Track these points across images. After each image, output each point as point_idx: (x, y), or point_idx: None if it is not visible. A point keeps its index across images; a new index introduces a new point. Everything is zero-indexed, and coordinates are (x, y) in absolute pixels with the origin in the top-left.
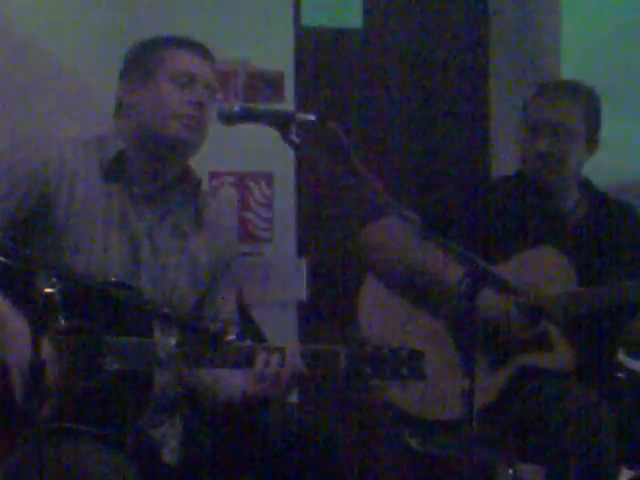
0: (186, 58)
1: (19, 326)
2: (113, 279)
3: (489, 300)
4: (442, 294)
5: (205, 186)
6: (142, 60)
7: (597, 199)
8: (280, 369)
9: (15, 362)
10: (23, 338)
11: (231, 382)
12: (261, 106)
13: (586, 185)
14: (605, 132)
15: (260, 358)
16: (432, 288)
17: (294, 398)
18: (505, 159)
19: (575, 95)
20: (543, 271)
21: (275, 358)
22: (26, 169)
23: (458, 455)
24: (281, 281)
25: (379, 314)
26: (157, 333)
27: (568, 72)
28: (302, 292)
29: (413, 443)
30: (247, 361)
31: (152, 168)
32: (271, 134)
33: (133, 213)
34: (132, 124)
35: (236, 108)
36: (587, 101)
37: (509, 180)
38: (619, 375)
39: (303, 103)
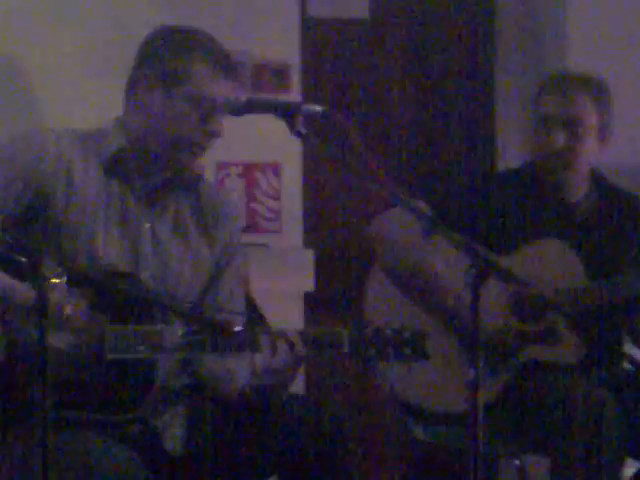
0: (214, 81)
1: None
2: (118, 269)
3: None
4: (440, 298)
5: (212, 177)
6: (168, 61)
7: (606, 191)
8: (283, 355)
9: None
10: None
11: (239, 372)
12: (268, 97)
13: (595, 177)
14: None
15: (264, 345)
16: (431, 291)
17: (300, 388)
18: (510, 152)
19: (586, 87)
20: (550, 264)
21: (279, 346)
22: (22, 162)
23: (463, 446)
24: (288, 272)
25: (385, 304)
26: (160, 323)
27: (573, 67)
28: (309, 283)
29: (418, 434)
30: (250, 346)
31: (152, 164)
32: (278, 125)
33: (134, 208)
34: (140, 125)
35: (243, 99)
36: (598, 93)
37: (517, 172)
38: (625, 367)
39: (309, 94)
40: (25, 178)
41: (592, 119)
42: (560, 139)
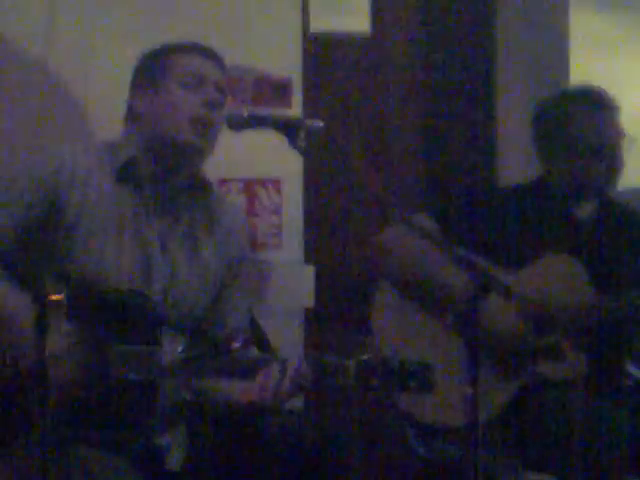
0: (194, 61)
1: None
2: (121, 287)
3: (496, 314)
4: (449, 302)
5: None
6: (151, 67)
7: (613, 208)
8: (282, 382)
9: (26, 362)
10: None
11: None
12: (269, 112)
13: (600, 192)
14: None
15: (264, 370)
16: (439, 296)
17: (299, 404)
18: (511, 163)
19: (586, 100)
20: (557, 279)
21: (279, 371)
22: (38, 174)
23: (464, 462)
24: (288, 288)
25: (392, 321)
26: (165, 341)
27: (576, 73)
28: (309, 299)
29: (419, 449)
30: (252, 373)
31: (162, 173)
32: (279, 140)
33: (145, 219)
34: (143, 131)
35: (244, 114)
36: (599, 105)
37: (525, 188)
38: (628, 384)
39: (310, 109)
40: (40, 189)
41: (610, 141)
42: (586, 165)
